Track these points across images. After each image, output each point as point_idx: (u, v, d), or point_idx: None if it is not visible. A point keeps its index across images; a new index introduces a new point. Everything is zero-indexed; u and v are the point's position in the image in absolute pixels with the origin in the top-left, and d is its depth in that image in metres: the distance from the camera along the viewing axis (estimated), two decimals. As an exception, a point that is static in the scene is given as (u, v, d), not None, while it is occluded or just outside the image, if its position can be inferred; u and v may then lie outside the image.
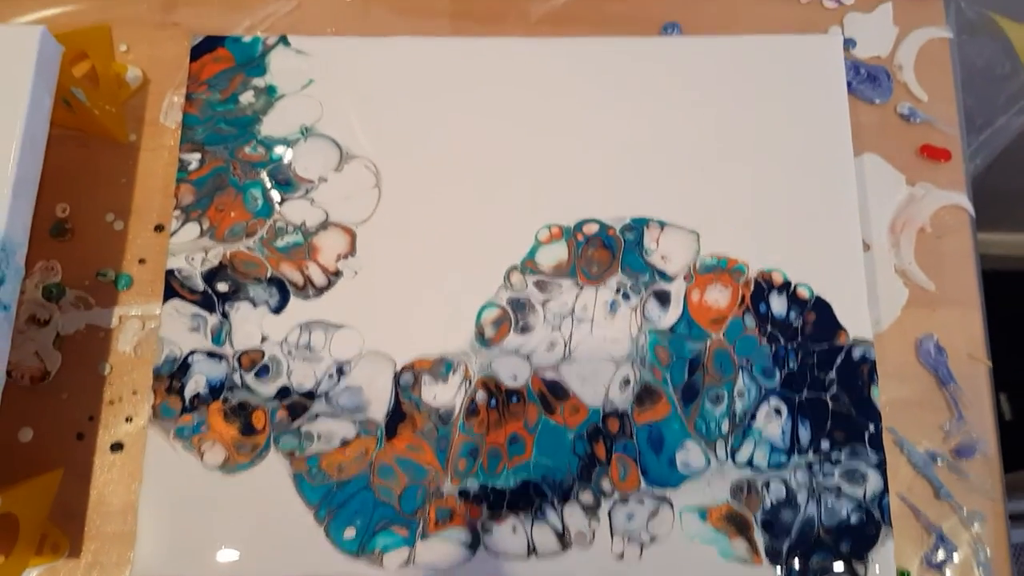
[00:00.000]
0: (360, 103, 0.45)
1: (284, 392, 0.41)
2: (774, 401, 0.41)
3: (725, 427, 0.40)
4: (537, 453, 0.40)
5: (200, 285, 0.42)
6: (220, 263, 0.43)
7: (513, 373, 0.41)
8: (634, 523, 0.39)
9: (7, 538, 0.38)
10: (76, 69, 0.45)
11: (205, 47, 0.46)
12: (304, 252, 0.43)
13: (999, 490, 0.42)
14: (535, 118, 0.45)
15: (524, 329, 0.42)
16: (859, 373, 0.41)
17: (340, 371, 0.41)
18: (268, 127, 0.45)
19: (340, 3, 0.50)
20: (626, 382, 0.41)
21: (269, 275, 0.43)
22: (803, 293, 0.42)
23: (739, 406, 0.41)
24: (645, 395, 0.41)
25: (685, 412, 0.41)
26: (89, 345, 0.44)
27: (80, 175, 0.46)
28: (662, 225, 0.43)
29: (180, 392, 0.41)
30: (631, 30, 0.49)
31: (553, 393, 0.41)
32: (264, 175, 0.44)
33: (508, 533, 0.39)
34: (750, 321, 0.42)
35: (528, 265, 0.43)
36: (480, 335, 0.42)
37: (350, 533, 0.39)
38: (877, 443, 0.40)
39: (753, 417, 0.41)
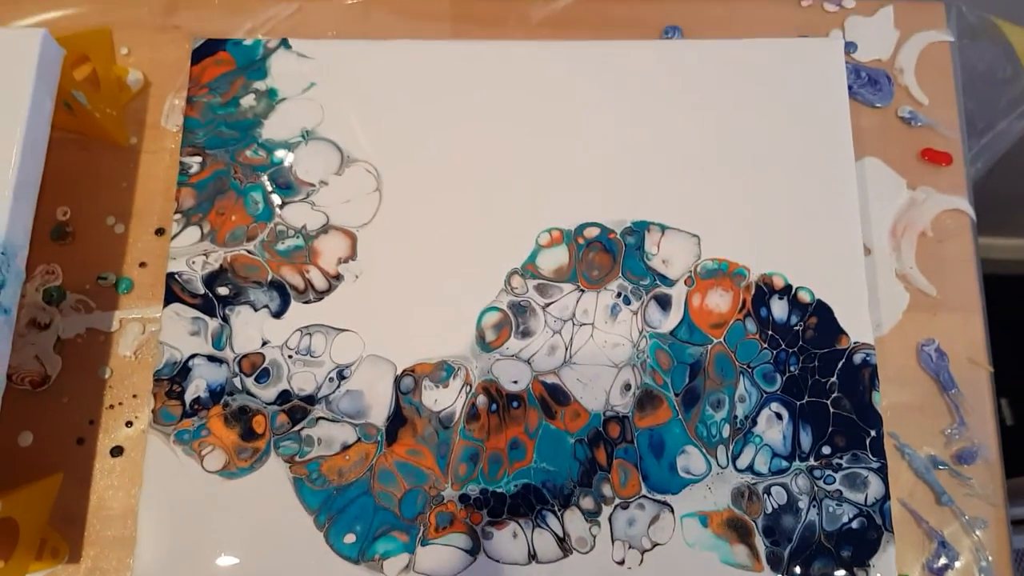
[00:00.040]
0: (361, 106, 0.45)
1: (284, 396, 0.41)
2: (775, 406, 0.41)
3: (726, 432, 0.40)
4: (538, 458, 0.40)
5: (201, 289, 0.42)
6: (221, 267, 0.43)
7: (514, 377, 0.41)
8: (635, 529, 0.39)
9: (7, 543, 0.38)
10: (77, 72, 0.46)
11: (206, 50, 0.46)
12: (305, 256, 0.43)
13: (1001, 495, 0.42)
14: (536, 121, 0.45)
15: (525, 333, 0.42)
16: (860, 378, 0.41)
17: (341, 375, 0.41)
18: (269, 130, 0.45)
19: (341, 6, 0.49)
20: (627, 387, 0.41)
21: (270, 279, 0.43)
22: (804, 297, 0.42)
23: (740, 411, 0.41)
24: (646, 400, 0.41)
25: (686, 417, 0.41)
26: (89, 349, 0.43)
27: (81, 178, 0.46)
28: (663, 229, 0.43)
29: (180, 396, 0.41)
30: (632, 33, 0.49)
31: (554, 398, 0.41)
32: (265, 178, 0.44)
33: (509, 539, 0.39)
34: (751, 325, 0.42)
35: (529, 269, 0.43)
36: (481, 339, 0.42)
37: (350, 538, 0.39)
38: (878, 448, 0.40)
39: (754, 422, 0.41)
